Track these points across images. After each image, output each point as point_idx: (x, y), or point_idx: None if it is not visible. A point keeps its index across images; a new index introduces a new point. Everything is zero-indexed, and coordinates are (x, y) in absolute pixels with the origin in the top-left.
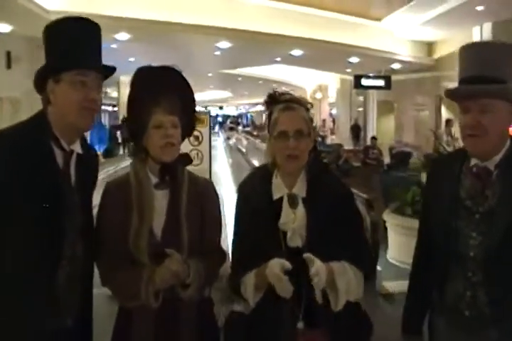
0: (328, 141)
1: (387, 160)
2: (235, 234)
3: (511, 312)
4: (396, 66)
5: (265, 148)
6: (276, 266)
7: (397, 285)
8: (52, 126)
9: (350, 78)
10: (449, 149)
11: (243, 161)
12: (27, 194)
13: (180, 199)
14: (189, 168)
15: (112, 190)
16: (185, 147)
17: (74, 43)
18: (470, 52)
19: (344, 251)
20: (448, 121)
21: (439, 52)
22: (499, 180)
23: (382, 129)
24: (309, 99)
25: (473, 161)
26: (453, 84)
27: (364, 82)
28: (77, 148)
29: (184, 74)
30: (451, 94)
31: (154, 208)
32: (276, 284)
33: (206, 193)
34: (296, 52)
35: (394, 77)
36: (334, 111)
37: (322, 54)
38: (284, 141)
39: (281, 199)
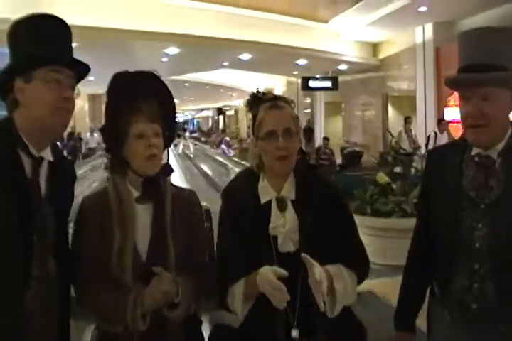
0: None
1: (338, 160)
2: (220, 241)
3: None
4: (343, 67)
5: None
6: (269, 273)
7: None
8: (20, 130)
9: (297, 80)
10: (405, 147)
11: (191, 166)
12: None
13: (165, 214)
14: None
15: (90, 204)
16: None
17: (45, 39)
18: (469, 39)
19: (338, 253)
20: (407, 119)
21: (384, 53)
22: (503, 168)
23: (330, 130)
24: None
25: (475, 151)
26: (397, 83)
27: (311, 83)
28: (47, 154)
29: None
30: (451, 82)
31: (137, 224)
32: (271, 293)
33: (191, 206)
34: (245, 56)
35: (341, 78)
36: None
37: (270, 57)
38: (272, 142)
39: (269, 202)
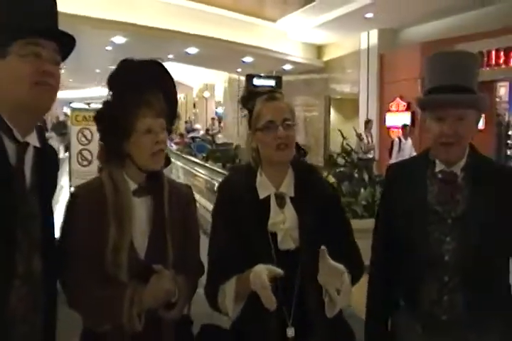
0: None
1: None
2: (214, 236)
3: (488, 314)
4: (287, 67)
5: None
6: (264, 272)
7: None
8: (0, 112)
9: (238, 77)
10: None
11: None
12: None
13: (164, 209)
14: (76, 168)
15: (83, 195)
16: (75, 146)
17: (21, 8)
18: (440, 61)
19: (336, 254)
20: (367, 123)
21: (329, 55)
22: (466, 183)
23: None
24: (196, 98)
25: (439, 167)
26: (340, 86)
27: (256, 81)
28: (32, 140)
29: (69, 70)
30: (427, 103)
31: (133, 218)
32: (261, 293)
33: (188, 201)
34: (192, 49)
35: (284, 78)
36: (220, 110)
37: (217, 52)
38: (271, 132)
39: (267, 198)
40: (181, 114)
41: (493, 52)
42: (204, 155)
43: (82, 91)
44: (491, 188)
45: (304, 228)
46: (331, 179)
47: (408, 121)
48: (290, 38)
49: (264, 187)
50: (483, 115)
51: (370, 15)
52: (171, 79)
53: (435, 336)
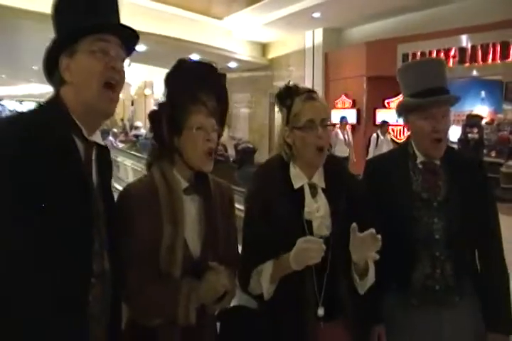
0: None
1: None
2: (249, 223)
3: (466, 278)
4: (233, 65)
5: (276, 140)
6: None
7: None
8: (70, 111)
9: None
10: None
11: None
12: (49, 199)
13: (213, 206)
14: None
15: (136, 193)
16: None
17: (88, 6)
18: (418, 68)
19: None
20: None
21: (274, 53)
22: (445, 171)
23: None
24: (135, 96)
25: (420, 159)
26: (282, 83)
27: None
28: (98, 138)
29: (3, 65)
30: (422, 103)
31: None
32: (308, 247)
33: (230, 198)
34: (141, 47)
35: (229, 75)
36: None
37: (165, 50)
38: (311, 130)
39: (301, 188)
40: (118, 113)
41: (434, 53)
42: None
43: (14, 88)
44: (464, 174)
45: (335, 216)
46: None
47: (354, 118)
48: (236, 35)
49: (298, 177)
50: None
51: (317, 14)
52: (224, 82)
53: (430, 304)
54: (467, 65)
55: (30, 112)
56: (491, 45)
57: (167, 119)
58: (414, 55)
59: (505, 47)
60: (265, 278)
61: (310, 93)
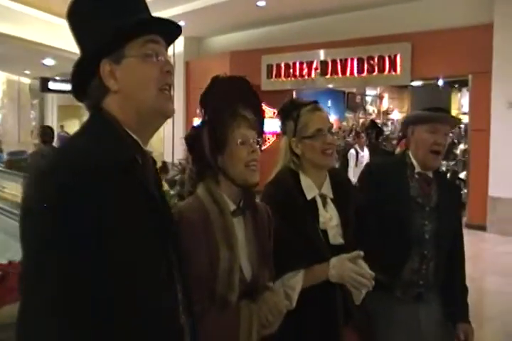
0: None
1: None
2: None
3: (441, 276)
4: None
5: (281, 153)
6: (347, 262)
7: None
8: (123, 124)
9: (19, 79)
10: None
11: None
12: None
13: (263, 227)
14: None
15: (190, 217)
16: None
17: (127, 4)
18: (431, 90)
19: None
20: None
21: None
22: (435, 182)
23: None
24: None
25: (417, 169)
26: None
27: (51, 85)
28: (150, 150)
29: None
30: (435, 117)
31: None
32: (357, 280)
33: (270, 220)
34: None
35: None
36: None
37: (17, 52)
38: (320, 138)
39: (312, 199)
40: None
41: (298, 65)
42: (2, 165)
43: None
44: (448, 187)
45: (346, 225)
46: (165, 185)
47: None
48: None
49: (310, 188)
50: None
51: (182, 23)
52: (257, 95)
53: (412, 298)
54: (328, 76)
55: (83, 140)
56: (349, 60)
57: (209, 138)
58: (278, 66)
59: (361, 62)
60: (297, 289)
61: (315, 104)
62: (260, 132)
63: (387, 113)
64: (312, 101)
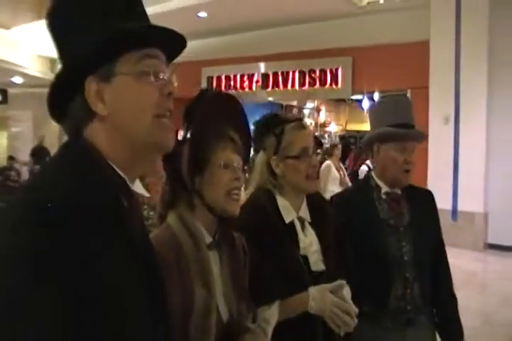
0: None
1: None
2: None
3: (428, 299)
4: (18, 80)
5: (257, 171)
6: (329, 294)
7: None
8: (107, 158)
9: None
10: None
11: None
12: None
13: (239, 261)
14: None
15: (161, 251)
16: None
17: (121, 9)
18: (394, 103)
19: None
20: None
21: None
22: (405, 200)
23: None
24: None
25: (384, 189)
26: None
27: None
28: (139, 188)
29: None
30: (403, 134)
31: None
32: (340, 316)
33: (243, 249)
34: None
35: (11, 91)
36: None
37: None
38: (305, 159)
39: (291, 222)
40: None
41: (238, 77)
42: None
43: None
44: (421, 202)
45: (326, 250)
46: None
47: None
48: (23, 48)
49: (288, 211)
50: None
51: None
52: (247, 120)
53: (401, 325)
54: (269, 89)
55: (55, 175)
56: (290, 73)
57: (189, 157)
58: (218, 78)
59: (302, 75)
60: (271, 323)
61: (301, 121)
62: (246, 159)
63: (324, 125)
64: (297, 118)
